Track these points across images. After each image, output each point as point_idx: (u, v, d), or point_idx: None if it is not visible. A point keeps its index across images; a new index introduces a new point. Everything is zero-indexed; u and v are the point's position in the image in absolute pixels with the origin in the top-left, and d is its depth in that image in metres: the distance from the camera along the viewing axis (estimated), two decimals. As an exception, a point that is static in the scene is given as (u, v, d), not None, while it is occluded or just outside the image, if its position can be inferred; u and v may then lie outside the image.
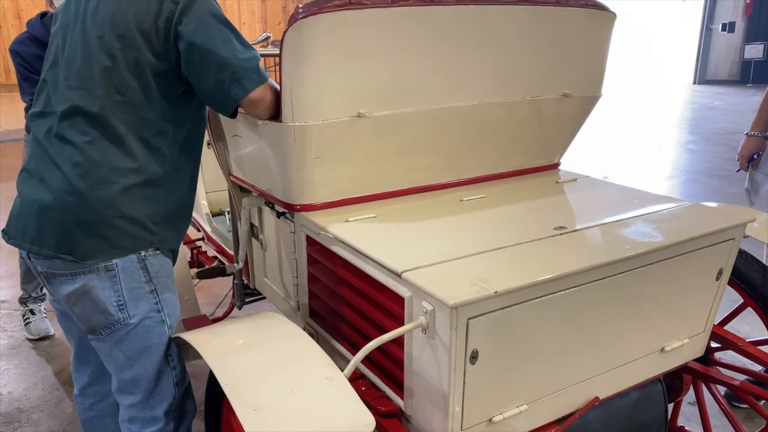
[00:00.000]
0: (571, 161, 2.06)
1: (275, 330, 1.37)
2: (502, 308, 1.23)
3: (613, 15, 1.89)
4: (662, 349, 1.62)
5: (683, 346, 1.67)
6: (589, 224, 1.60)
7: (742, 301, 1.96)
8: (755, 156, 2.26)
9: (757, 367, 2.19)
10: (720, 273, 1.65)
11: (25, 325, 3.23)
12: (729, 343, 1.79)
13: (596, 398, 1.52)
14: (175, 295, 1.60)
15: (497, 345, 1.26)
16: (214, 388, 1.56)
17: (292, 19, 1.43)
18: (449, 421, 1.27)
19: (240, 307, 2.27)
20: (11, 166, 5.76)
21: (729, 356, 2.12)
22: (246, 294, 2.25)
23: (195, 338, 1.34)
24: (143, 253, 1.49)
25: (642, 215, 1.66)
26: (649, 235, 1.51)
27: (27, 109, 2.99)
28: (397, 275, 1.30)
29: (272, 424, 1.07)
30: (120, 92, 1.42)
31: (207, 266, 2.54)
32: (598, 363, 1.49)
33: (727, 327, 1.97)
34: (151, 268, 1.50)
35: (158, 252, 1.52)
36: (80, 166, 1.41)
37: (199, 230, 2.91)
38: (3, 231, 1.54)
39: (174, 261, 1.62)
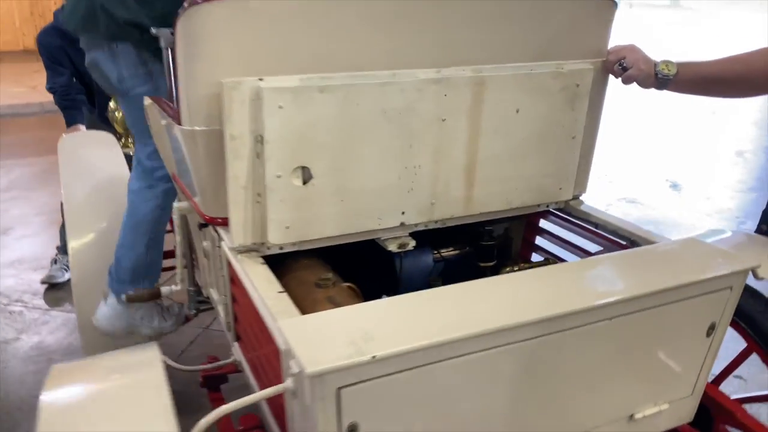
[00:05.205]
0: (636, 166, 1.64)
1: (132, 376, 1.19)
2: (388, 375, 0.99)
3: None
4: (631, 417, 1.33)
5: (662, 413, 1.37)
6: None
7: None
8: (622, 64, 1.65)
9: None
10: (712, 328, 1.33)
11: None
12: (725, 411, 1.46)
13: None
14: None
15: (386, 419, 1.02)
16: None
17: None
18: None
19: (195, 314, 2.11)
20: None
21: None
22: (200, 301, 2.09)
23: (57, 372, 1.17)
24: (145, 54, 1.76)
25: (613, 254, 1.36)
26: (610, 283, 1.22)
27: (53, 93, 3.14)
28: (274, 322, 1.08)
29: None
30: None
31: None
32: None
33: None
34: (149, 61, 1.76)
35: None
36: None
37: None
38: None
39: None
